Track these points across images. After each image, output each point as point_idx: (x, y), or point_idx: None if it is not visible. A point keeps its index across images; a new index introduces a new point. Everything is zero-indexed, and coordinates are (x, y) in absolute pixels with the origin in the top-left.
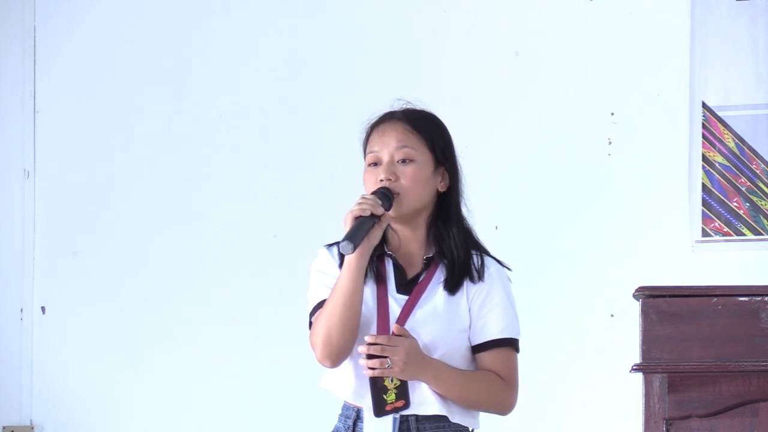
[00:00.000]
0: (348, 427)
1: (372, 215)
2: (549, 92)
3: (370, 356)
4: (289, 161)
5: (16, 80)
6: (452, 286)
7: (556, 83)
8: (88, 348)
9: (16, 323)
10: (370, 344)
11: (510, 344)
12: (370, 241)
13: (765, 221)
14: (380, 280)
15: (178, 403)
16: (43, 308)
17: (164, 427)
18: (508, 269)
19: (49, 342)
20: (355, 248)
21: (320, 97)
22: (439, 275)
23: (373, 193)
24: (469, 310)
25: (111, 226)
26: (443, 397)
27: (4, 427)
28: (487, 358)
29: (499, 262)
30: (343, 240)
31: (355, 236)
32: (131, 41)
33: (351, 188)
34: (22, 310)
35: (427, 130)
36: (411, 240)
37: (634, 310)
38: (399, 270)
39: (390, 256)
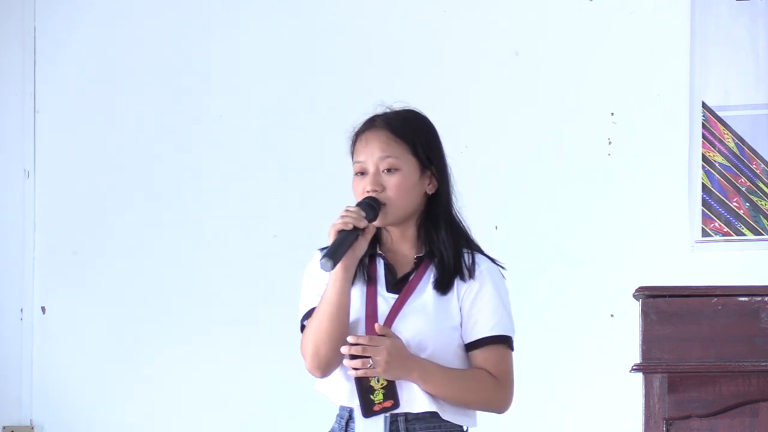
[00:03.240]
0: (342, 428)
1: (355, 228)
2: (549, 92)
3: (353, 357)
4: (289, 161)
5: (16, 80)
6: (442, 287)
7: (556, 83)
8: (88, 348)
9: (16, 323)
10: (352, 344)
11: (502, 342)
12: (354, 253)
13: (765, 221)
14: (370, 281)
15: (178, 403)
16: (43, 308)
17: (164, 427)
18: (502, 267)
19: (49, 342)
20: (334, 265)
21: (320, 97)
22: (429, 274)
23: (358, 204)
24: (460, 309)
25: (111, 226)
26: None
27: (4, 427)
28: (479, 356)
29: (492, 260)
30: (323, 257)
31: (335, 252)
32: (131, 41)
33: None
34: (22, 310)
35: (408, 136)
36: (401, 240)
37: (634, 310)
38: (389, 270)
39: (381, 256)
